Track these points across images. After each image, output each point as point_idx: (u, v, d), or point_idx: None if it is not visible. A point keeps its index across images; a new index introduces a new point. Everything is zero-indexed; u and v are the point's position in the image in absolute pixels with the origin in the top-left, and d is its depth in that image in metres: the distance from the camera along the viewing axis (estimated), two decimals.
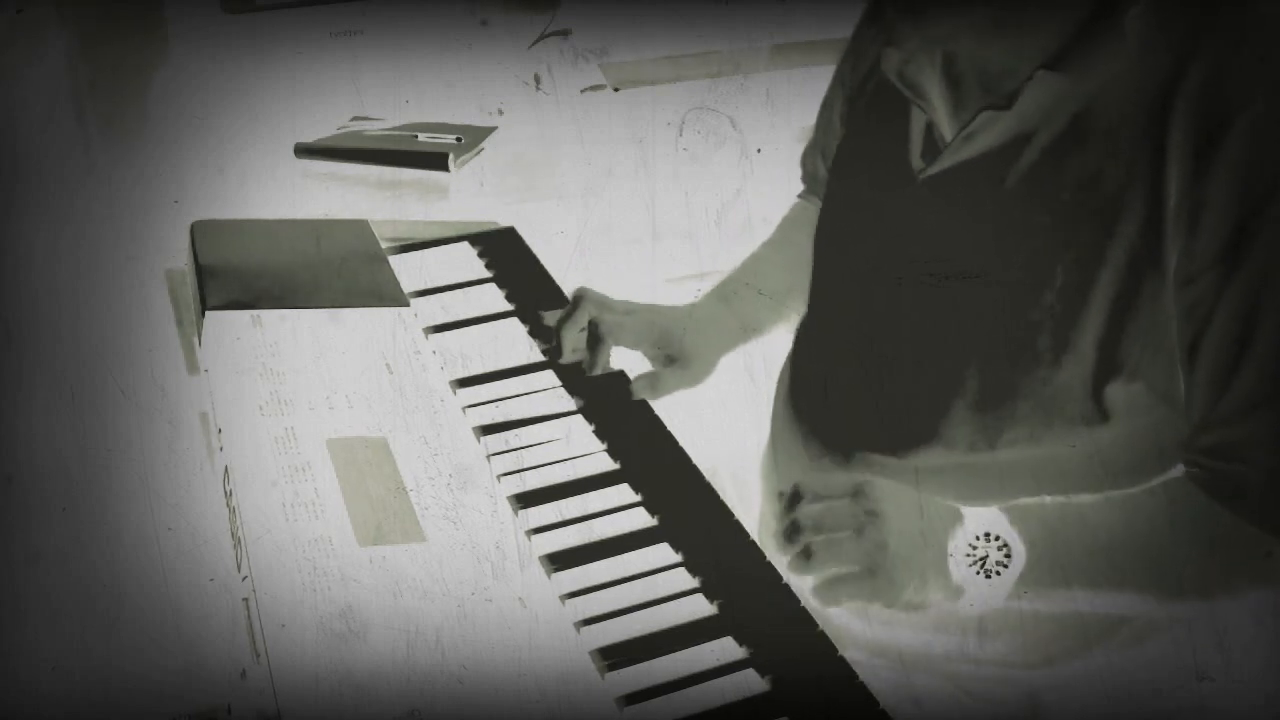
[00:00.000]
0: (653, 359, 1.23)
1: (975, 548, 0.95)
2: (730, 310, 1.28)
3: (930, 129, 1.08)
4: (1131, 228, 0.96)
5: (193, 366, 1.31)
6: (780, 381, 1.23)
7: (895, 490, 0.97)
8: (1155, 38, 0.96)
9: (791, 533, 0.95)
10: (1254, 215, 0.91)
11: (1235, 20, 0.94)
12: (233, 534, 1.00)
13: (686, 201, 1.60)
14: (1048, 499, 1.00)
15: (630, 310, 1.23)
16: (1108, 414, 1.00)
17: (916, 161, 1.09)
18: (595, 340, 1.20)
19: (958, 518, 0.96)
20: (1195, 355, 0.95)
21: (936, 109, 1.07)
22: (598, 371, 1.19)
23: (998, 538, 0.95)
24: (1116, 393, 0.99)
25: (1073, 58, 0.98)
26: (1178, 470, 1.00)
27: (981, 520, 0.96)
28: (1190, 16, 0.95)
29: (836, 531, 0.94)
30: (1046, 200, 1.00)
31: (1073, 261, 0.98)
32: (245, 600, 0.94)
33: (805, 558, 0.94)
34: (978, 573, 0.95)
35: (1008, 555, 0.95)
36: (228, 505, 1.01)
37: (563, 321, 1.21)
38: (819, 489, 0.96)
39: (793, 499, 0.96)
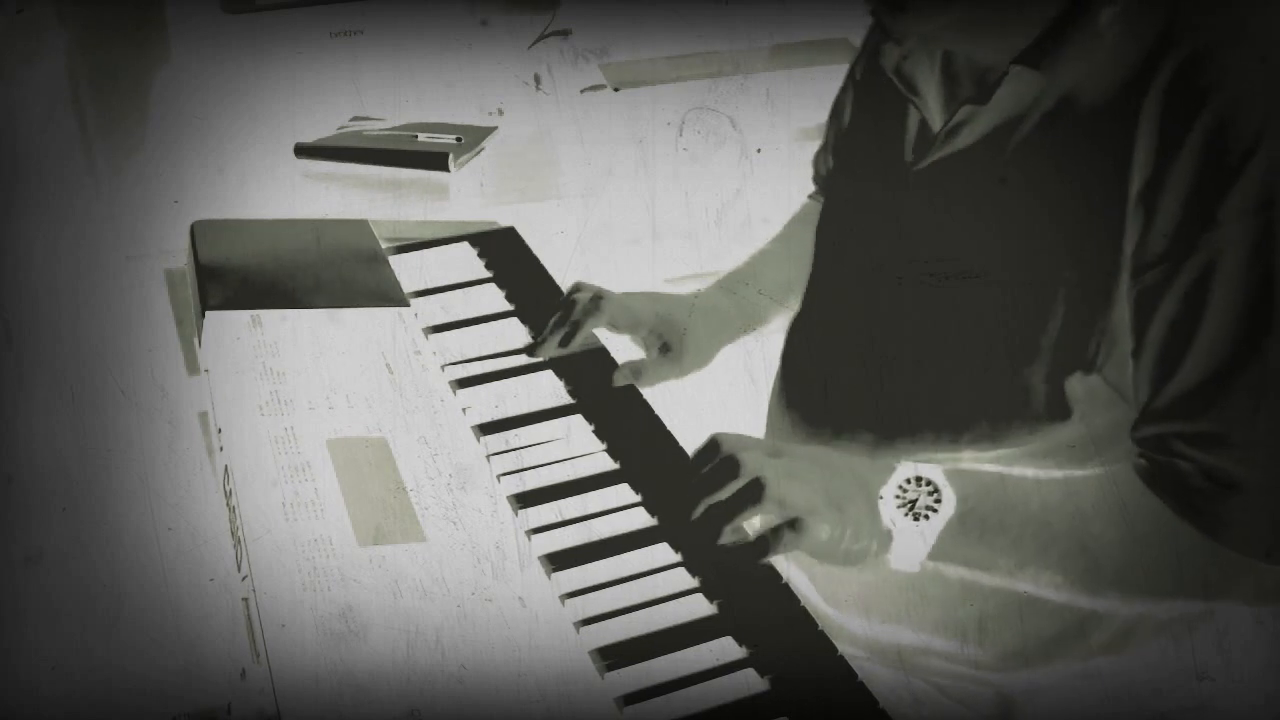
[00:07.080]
0: (647, 346, 1.23)
1: (905, 490, 0.97)
2: (733, 302, 1.28)
3: (924, 125, 1.09)
4: (1099, 218, 0.97)
5: (193, 366, 1.32)
6: (775, 378, 1.24)
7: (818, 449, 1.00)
8: (1130, 33, 0.97)
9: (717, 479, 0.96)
10: (1208, 208, 0.92)
11: (1207, 16, 0.95)
12: (233, 534, 1.00)
13: (686, 201, 1.60)
14: (986, 466, 1.02)
15: (630, 296, 1.24)
16: (1069, 409, 1.00)
17: (908, 156, 1.09)
18: (593, 310, 1.20)
19: (889, 469, 0.97)
20: (1141, 345, 0.96)
21: (928, 104, 1.08)
22: (577, 341, 1.19)
23: (929, 482, 0.97)
24: (1076, 386, 1.00)
25: (1047, 53, 0.99)
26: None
27: (914, 469, 0.97)
28: (1165, 12, 0.96)
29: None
30: (1027, 194, 1.01)
31: (1049, 255, 0.99)
32: (245, 600, 0.94)
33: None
34: (907, 514, 0.96)
35: (937, 500, 0.96)
36: (228, 505, 1.01)
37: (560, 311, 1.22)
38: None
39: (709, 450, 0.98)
